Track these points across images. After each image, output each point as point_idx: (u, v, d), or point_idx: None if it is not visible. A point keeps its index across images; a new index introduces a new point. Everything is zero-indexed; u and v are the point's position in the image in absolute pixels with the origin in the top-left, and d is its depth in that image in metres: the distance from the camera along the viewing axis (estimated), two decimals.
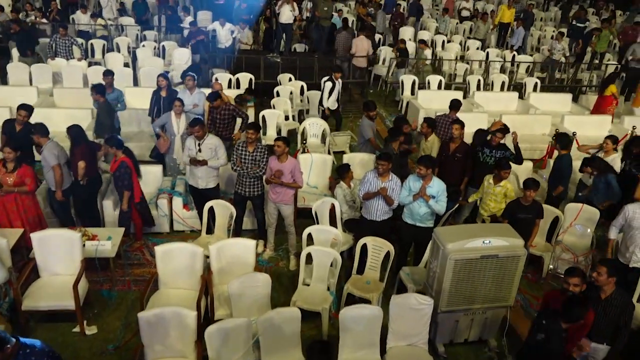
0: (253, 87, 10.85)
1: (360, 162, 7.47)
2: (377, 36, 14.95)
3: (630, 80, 11.98)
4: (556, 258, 6.19)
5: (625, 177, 7.25)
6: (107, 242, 5.72)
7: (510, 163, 6.27)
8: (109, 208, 6.51)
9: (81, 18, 13.44)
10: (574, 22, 14.86)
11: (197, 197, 6.57)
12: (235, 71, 11.15)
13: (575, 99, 11.85)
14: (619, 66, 13.41)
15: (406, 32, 15.22)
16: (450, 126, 6.75)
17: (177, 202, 6.77)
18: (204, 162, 6.27)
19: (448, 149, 6.65)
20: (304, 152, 7.81)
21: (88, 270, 5.48)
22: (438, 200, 5.61)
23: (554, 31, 16.79)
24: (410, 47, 13.58)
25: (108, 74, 8.04)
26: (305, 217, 6.73)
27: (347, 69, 11.83)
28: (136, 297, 5.65)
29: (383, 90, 12.86)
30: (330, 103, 9.25)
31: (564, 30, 15.71)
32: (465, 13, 17.36)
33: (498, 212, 6.02)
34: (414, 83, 11.73)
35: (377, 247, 5.61)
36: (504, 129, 6.74)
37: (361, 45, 11.77)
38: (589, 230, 6.37)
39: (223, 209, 6.18)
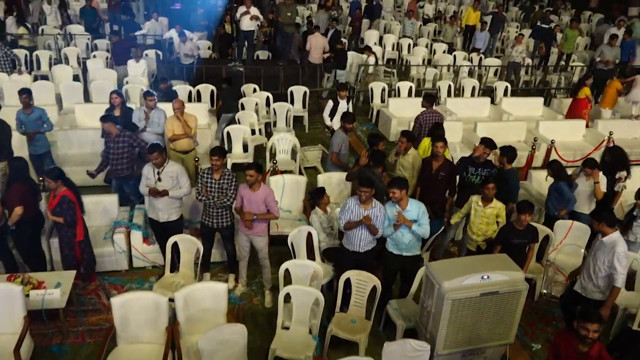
0: (215, 99, 10.22)
1: (336, 183, 6.91)
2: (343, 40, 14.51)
3: (597, 81, 11.89)
4: (549, 281, 5.82)
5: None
6: (55, 290, 4.98)
7: None
8: (56, 247, 5.74)
9: (12, 25, 12.25)
10: (538, 23, 14.73)
11: (159, 231, 5.87)
12: (195, 83, 10.45)
13: (545, 102, 11.71)
14: (586, 67, 13.37)
15: (372, 36, 14.84)
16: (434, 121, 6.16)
17: (136, 236, 6.07)
18: (164, 193, 5.60)
19: (431, 167, 6.14)
20: (274, 172, 7.22)
21: (34, 322, 4.77)
22: (421, 224, 5.15)
23: (516, 32, 16.73)
24: (377, 51, 13.20)
25: (23, 92, 7.11)
26: (279, 244, 6.15)
27: (303, 67, 11.65)
28: (92, 351, 4.97)
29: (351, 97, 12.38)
30: (335, 123, 8.37)
31: (527, 31, 15.66)
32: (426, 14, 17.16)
33: (493, 234, 5.59)
34: (383, 90, 11.32)
35: (362, 282, 5.10)
36: (490, 143, 6.25)
37: (315, 42, 11.63)
38: (582, 250, 6.04)
39: (188, 244, 5.54)
